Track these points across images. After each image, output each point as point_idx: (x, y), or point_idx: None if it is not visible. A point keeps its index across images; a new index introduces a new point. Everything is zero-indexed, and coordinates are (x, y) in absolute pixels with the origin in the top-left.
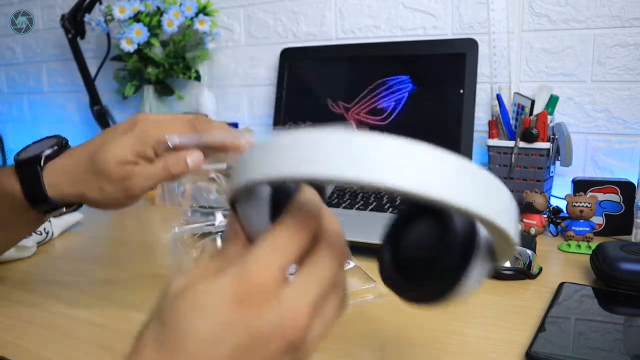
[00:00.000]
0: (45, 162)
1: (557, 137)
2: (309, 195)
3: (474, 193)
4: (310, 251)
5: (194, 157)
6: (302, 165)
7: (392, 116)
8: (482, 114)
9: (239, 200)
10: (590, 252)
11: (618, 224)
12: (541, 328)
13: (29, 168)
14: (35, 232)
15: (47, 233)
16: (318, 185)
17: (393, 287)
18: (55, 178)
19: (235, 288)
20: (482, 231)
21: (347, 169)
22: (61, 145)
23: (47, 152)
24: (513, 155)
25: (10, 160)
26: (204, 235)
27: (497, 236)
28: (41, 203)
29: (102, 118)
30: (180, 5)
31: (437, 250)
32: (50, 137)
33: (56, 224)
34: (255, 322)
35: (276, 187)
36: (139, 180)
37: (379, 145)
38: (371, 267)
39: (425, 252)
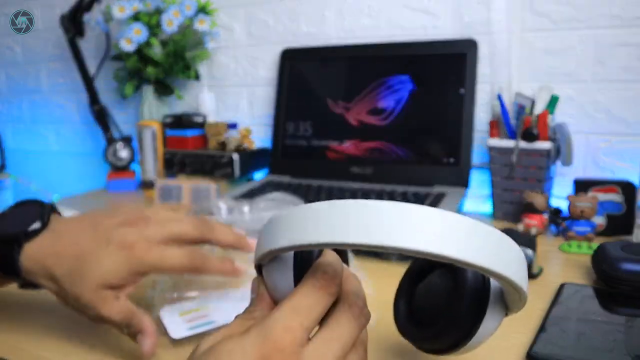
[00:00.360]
0: (27, 239)
1: (557, 137)
2: (331, 258)
3: (488, 251)
4: (331, 312)
5: (147, 346)
6: (327, 232)
7: (392, 116)
8: (482, 114)
9: (265, 264)
10: (591, 253)
11: (619, 224)
12: (542, 328)
13: (5, 247)
14: None
15: None
16: (339, 249)
17: (409, 337)
18: (32, 265)
19: (259, 347)
20: (494, 285)
21: (370, 235)
22: (44, 221)
23: (31, 227)
24: (514, 155)
25: (10, 160)
26: None
27: (509, 289)
28: (15, 279)
29: (102, 118)
30: (180, 4)
31: (451, 301)
32: (34, 203)
33: None
34: None
35: (300, 251)
36: (104, 312)
37: (397, 212)
38: (371, 267)
39: (440, 303)
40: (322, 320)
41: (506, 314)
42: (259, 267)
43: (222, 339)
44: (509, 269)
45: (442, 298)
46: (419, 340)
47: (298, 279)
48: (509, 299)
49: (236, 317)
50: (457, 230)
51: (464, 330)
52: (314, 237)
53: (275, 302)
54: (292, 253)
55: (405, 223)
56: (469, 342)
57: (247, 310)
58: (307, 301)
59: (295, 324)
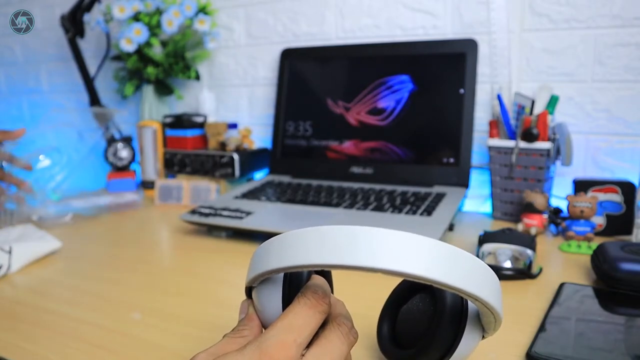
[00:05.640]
0: None
1: (557, 137)
2: (319, 280)
3: (465, 274)
4: (322, 331)
5: None
6: (317, 255)
7: (392, 116)
8: (482, 114)
9: (255, 286)
10: (591, 252)
11: (619, 224)
12: (542, 328)
13: None
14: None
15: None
16: (325, 274)
17: (391, 358)
18: None
19: None
20: (471, 308)
21: (357, 258)
22: None
23: None
24: (513, 155)
25: None
26: None
27: (484, 311)
28: None
29: (101, 115)
30: (180, 4)
31: (430, 323)
32: None
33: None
34: None
35: (289, 274)
36: None
37: (383, 237)
38: None
39: (420, 325)
40: (313, 339)
41: (483, 337)
42: (248, 290)
43: (216, 357)
44: (483, 291)
45: (422, 320)
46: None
47: (286, 301)
48: (485, 322)
49: (224, 336)
50: (437, 254)
51: (442, 350)
52: (305, 259)
53: (264, 322)
54: (281, 277)
55: (390, 247)
56: (449, 356)
57: (235, 330)
58: (299, 319)
59: (290, 340)
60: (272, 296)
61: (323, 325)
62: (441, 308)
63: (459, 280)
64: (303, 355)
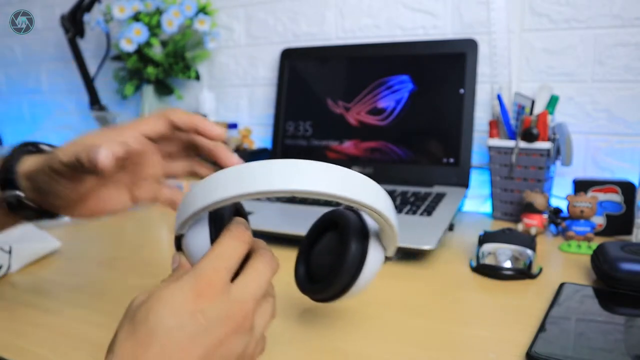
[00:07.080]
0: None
1: (557, 137)
2: (240, 219)
3: (358, 190)
4: (248, 260)
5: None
6: (236, 187)
7: (392, 116)
8: (482, 114)
9: (184, 233)
10: (591, 252)
11: (619, 224)
12: (541, 328)
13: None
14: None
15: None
16: (244, 215)
17: (307, 292)
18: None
19: (193, 285)
20: (371, 231)
21: (272, 184)
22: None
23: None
24: (513, 155)
25: None
26: None
27: (381, 223)
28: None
29: (102, 118)
30: (180, 4)
31: (338, 250)
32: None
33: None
34: (212, 309)
35: (213, 217)
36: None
37: (292, 165)
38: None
39: (330, 255)
40: (240, 268)
41: (386, 258)
42: (177, 241)
43: (158, 288)
44: (378, 203)
45: (331, 251)
46: (318, 292)
47: (214, 239)
48: (384, 238)
49: (162, 281)
50: (338, 175)
51: (352, 270)
52: (225, 192)
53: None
54: (206, 220)
55: (298, 172)
56: (360, 273)
57: (170, 276)
58: (228, 249)
59: (221, 267)
60: (200, 237)
61: (247, 259)
62: (346, 234)
63: (355, 194)
64: (233, 282)
